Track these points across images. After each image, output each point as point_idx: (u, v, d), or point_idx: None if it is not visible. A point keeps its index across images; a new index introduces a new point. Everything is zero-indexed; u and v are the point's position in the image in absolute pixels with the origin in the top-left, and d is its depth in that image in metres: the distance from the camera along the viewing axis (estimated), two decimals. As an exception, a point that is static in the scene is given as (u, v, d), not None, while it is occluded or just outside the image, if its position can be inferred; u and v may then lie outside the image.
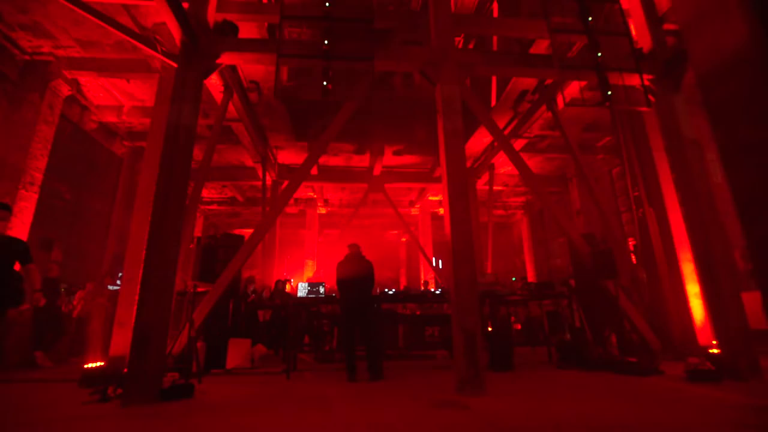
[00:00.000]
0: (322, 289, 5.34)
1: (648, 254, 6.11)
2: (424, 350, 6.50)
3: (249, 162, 13.02)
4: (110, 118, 10.61)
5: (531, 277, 17.58)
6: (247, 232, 19.39)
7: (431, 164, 13.87)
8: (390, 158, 13.42)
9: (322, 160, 13.49)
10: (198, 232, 17.28)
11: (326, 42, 4.20)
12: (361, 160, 13.70)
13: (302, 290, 5.31)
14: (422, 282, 14.11)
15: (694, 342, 5.33)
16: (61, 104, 8.80)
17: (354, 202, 16.39)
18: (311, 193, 16.52)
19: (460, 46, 11.32)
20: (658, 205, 5.97)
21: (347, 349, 4.67)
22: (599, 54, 4.66)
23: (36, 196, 8.09)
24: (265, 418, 2.91)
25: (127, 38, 4.66)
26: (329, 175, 14.09)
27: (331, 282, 5.65)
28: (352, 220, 14.46)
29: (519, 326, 9.13)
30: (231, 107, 9.07)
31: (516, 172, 15.53)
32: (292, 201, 17.34)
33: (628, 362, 4.54)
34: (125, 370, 3.39)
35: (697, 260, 4.52)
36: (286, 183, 14.36)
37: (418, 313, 7.43)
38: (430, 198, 17.00)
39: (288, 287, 9.15)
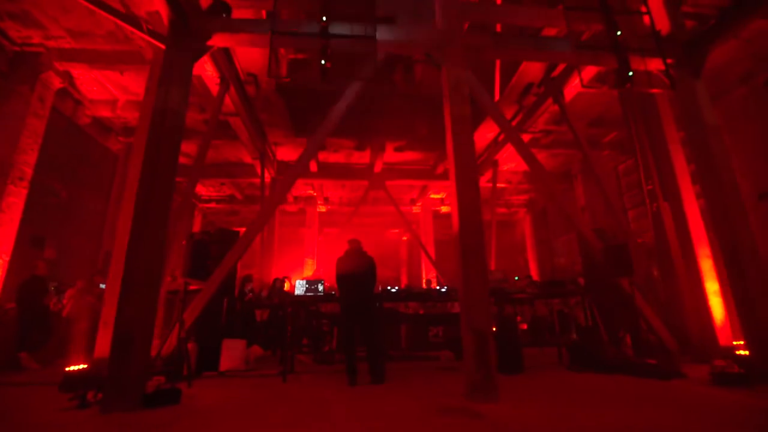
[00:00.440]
0: (320, 287, 5.06)
1: (663, 250, 5.82)
2: (428, 351, 6.21)
3: (247, 159, 12.75)
4: (104, 112, 10.33)
5: (534, 276, 17.29)
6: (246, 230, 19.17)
7: (433, 161, 13.60)
8: (391, 155, 13.15)
9: (322, 156, 13.23)
10: (196, 230, 17.01)
11: (324, 18, 3.90)
12: (362, 157, 13.43)
13: (300, 288, 5.03)
14: (424, 281, 13.83)
15: (714, 342, 5.05)
16: (53, 97, 8.53)
17: (354, 200, 16.14)
18: (311, 191, 16.28)
19: (464, 38, 11.02)
20: (674, 199, 5.69)
21: (347, 350, 4.39)
22: (618, 33, 4.36)
23: (26, 191, 7.82)
24: (255, 428, 2.63)
25: (113, 18, 4.39)
26: (329, 172, 13.83)
27: (332, 280, 5.36)
28: (352, 218, 14.20)
29: (525, 326, 8.85)
30: (228, 101, 8.80)
31: (519, 169, 15.35)
32: (291, 199, 17.09)
33: (647, 364, 4.26)
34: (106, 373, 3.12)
35: (723, 253, 4.24)
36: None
37: (421, 312, 7.15)
38: (432, 196, 16.75)
39: (287, 285, 8.88)
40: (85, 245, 10.91)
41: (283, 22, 4.30)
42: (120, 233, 4.42)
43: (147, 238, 3.30)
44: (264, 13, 7.41)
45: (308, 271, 14.60)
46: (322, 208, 17.05)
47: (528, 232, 18.65)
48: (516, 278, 14.78)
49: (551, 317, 9.02)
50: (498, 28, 9.76)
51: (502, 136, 11.28)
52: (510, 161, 13.67)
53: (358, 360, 4.38)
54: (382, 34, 4.30)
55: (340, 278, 4.56)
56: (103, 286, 8.48)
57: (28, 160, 7.94)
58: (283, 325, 5.37)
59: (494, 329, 5.37)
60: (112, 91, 9.77)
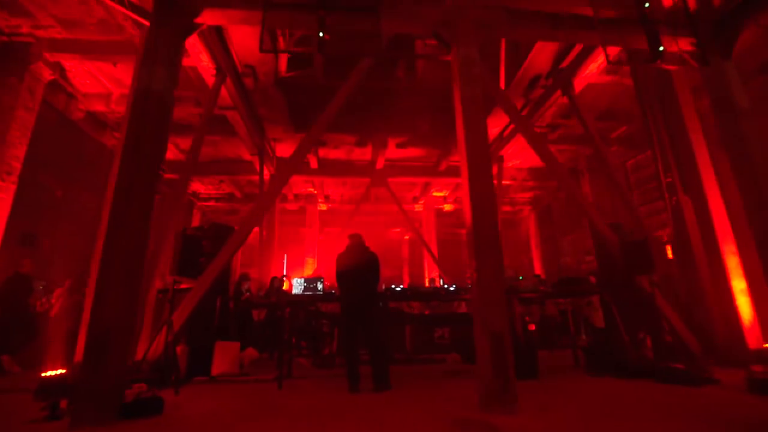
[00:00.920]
0: (320, 286, 4.73)
1: (683, 247, 5.47)
2: (434, 353, 5.88)
3: (246, 155, 12.44)
4: (98, 107, 10.03)
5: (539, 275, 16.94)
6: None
7: (436, 157, 13.27)
8: (393, 151, 12.82)
9: (322, 153, 12.92)
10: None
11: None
12: (363, 153, 13.11)
13: (298, 287, 4.70)
14: (428, 280, 13.51)
15: (742, 344, 4.71)
16: (43, 89, 8.22)
17: (356, 199, 15.82)
18: (311, 189, 15.98)
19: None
20: (696, 193, 5.35)
21: (348, 354, 4.03)
22: (647, 4, 4.01)
23: (14, 186, 7.52)
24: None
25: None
26: (329, 169, 13.51)
27: (332, 279, 5.02)
28: (353, 217, 13.87)
29: (533, 327, 8.50)
30: (225, 93, 8.49)
31: (524, 165, 14.99)
32: (291, 197, 16.78)
33: (675, 369, 3.91)
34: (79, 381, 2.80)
35: (759, 247, 3.91)
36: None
37: (426, 312, 6.82)
38: (435, 194, 16.43)
39: (285, 285, 8.56)
40: (79, 243, 10.60)
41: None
42: (102, 228, 4.10)
43: (126, 232, 2.98)
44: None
45: (309, 271, 14.29)
46: (323, 207, 16.75)
47: (532, 230, 18.30)
48: (520, 278, 14.43)
49: (560, 317, 8.68)
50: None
51: (508, 131, 10.94)
52: (515, 157, 13.31)
53: (360, 363, 4.04)
54: (387, 9, 3.96)
55: (341, 275, 4.22)
56: (94, 285, 8.19)
57: (16, 154, 7.64)
58: (279, 326, 5.05)
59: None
60: (105, 84, 9.46)
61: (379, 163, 12.88)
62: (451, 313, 7.35)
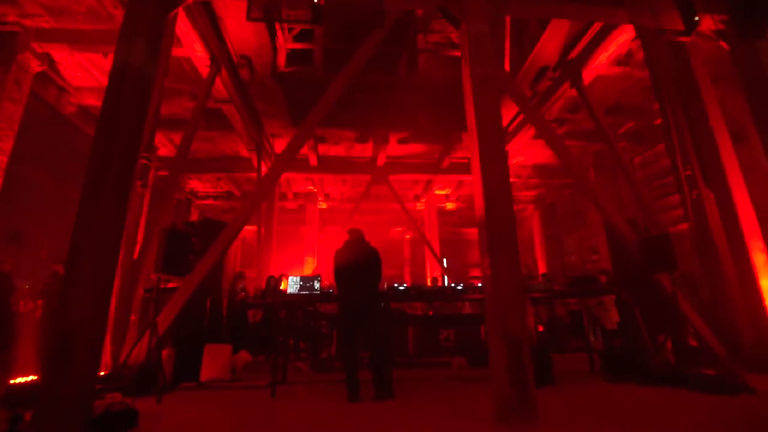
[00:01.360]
0: (317, 284, 4.40)
1: (705, 243, 5.13)
2: (438, 357, 5.54)
3: (244, 152, 12.15)
4: (90, 100, 9.72)
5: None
6: (245, 228, 18.56)
7: (439, 154, 12.94)
8: (395, 147, 12.50)
9: (322, 149, 12.60)
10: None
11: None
12: (364, 150, 12.79)
13: (293, 286, 4.37)
14: (430, 279, 13.20)
15: (771, 348, 4.36)
16: (31, 81, 7.91)
17: (356, 197, 15.50)
18: (311, 187, 15.68)
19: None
20: (719, 185, 5.01)
21: (348, 359, 3.68)
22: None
23: (0, 181, 7.21)
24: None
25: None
26: (329, 165, 13.19)
27: (331, 278, 4.66)
28: (354, 215, 13.54)
29: (541, 328, 8.17)
30: (221, 86, 8.20)
31: (529, 162, 14.64)
32: (291, 195, 16.47)
33: (705, 376, 3.57)
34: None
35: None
36: (284, 174, 13.58)
37: (430, 313, 6.49)
38: (437, 192, 16.12)
39: (283, 284, 8.22)
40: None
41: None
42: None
43: (97, 225, 2.66)
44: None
45: (308, 270, 13.97)
46: (323, 205, 16.44)
47: (536, 229, 17.97)
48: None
49: (569, 318, 8.34)
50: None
51: (513, 125, 10.61)
52: (520, 154, 12.97)
53: (361, 367, 3.69)
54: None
55: (339, 272, 3.87)
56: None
57: (3, 147, 7.33)
58: (274, 328, 4.72)
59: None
60: (97, 77, 9.14)
61: (380, 160, 12.57)
62: (456, 314, 7.02)
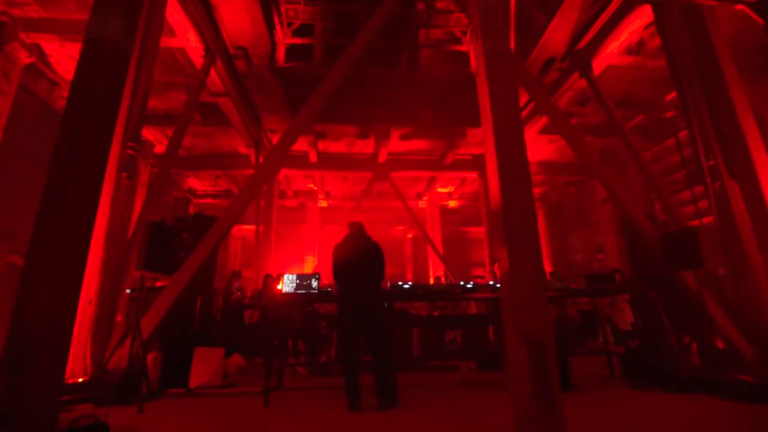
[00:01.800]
0: (315, 283, 4.09)
1: (730, 238, 4.80)
2: (445, 360, 5.22)
3: (242, 148, 11.86)
4: (83, 95, 9.42)
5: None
6: (244, 228, 18.26)
7: (442, 150, 12.64)
8: (396, 143, 12.21)
9: (322, 146, 12.32)
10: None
11: None
12: (365, 146, 12.49)
13: (288, 284, 4.06)
14: (434, 278, 12.91)
15: (807, 352, 4.03)
16: (20, 73, 7.63)
17: (357, 195, 15.22)
18: (311, 185, 15.40)
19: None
20: (745, 176, 4.68)
21: (347, 363, 3.36)
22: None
23: (-14, 176, 6.93)
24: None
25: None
26: (330, 162, 12.90)
27: (331, 277, 4.34)
28: (354, 213, 13.24)
29: (579, 320, 7.87)
30: (216, 78, 7.90)
31: (534, 159, 14.29)
32: (291, 194, 16.19)
33: (740, 382, 3.25)
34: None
35: None
36: (283, 171, 13.30)
37: (436, 314, 6.17)
38: (439, 190, 15.84)
39: (281, 284, 7.92)
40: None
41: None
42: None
43: (62, 217, 2.34)
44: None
45: (308, 269, 13.68)
46: (323, 203, 16.16)
47: (541, 227, 17.64)
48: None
49: (580, 318, 8.03)
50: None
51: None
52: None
53: (362, 370, 3.36)
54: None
55: (339, 269, 3.55)
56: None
57: (-10, 142, 7.05)
58: (267, 330, 4.41)
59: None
60: (90, 71, 8.86)
61: (382, 156, 12.28)
62: (462, 314, 6.69)
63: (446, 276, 12.84)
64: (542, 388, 2.22)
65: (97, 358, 3.67)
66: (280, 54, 10.40)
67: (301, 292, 4.02)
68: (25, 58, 7.60)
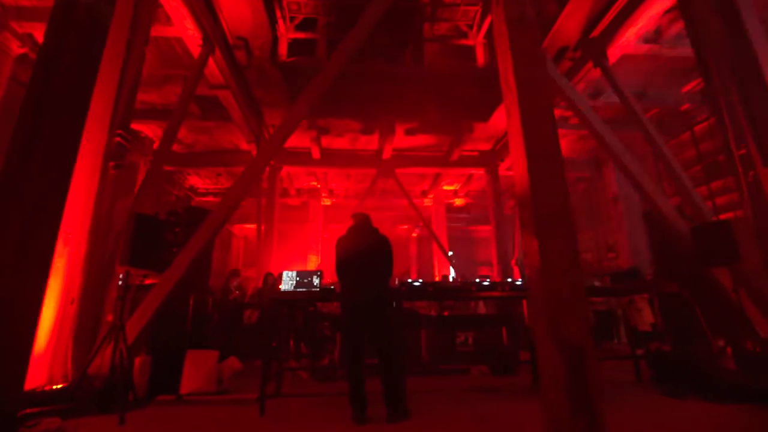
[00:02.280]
0: (317, 280, 3.77)
1: (766, 232, 4.44)
2: (456, 363, 4.88)
3: (244, 144, 11.60)
4: (79, 89, 9.17)
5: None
6: (247, 227, 17.99)
7: (448, 146, 12.31)
8: (401, 139, 11.90)
9: (325, 142, 12.02)
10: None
11: None
12: (369, 142, 12.19)
13: (288, 282, 3.74)
14: (440, 276, 12.60)
15: None
16: (12, 63, 7.38)
17: (361, 193, 14.93)
18: (314, 183, 15.12)
19: None
20: (782, 165, 4.31)
21: (352, 369, 3.02)
22: None
23: (-24, 172, 6.68)
24: None
25: None
26: (333, 159, 12.60)
27: (334, 275, 3.99)
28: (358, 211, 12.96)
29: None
30: (215, 69, 7.63)
31: (542, 156, 13.99)
32: (293, 192, 15.91)
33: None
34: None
35: None
36: (285, 169, 13.02)
37: (445, 314, 5.84)
38: (445, 187, 15.51)
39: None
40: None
41: None
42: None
43: (23, 206, 2.04)
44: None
45: (311, 268, 13.39)
46: (327, 201, 15.87)
47: (549, 226, 17.31)
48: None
49: (594, 319, 7.67)
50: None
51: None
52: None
53: (367, 375, 3.01)
54: None
55: (342, 264, 3.21)
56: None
57: (-20, 135, 6.80)
58: (265, 331, 4.09)
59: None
60: (86, 63, 8.61)
61: (386, 153, 11.98)
62: (474, 314, 6.35)
63: (452, 275, 12.53)
64: (581, 401, 1.88)
65: (80, 362, 3.37)
66: (283, 49, 10.16)
67: (301, 289, 3.70)
68: (17, 48, 7.36)
